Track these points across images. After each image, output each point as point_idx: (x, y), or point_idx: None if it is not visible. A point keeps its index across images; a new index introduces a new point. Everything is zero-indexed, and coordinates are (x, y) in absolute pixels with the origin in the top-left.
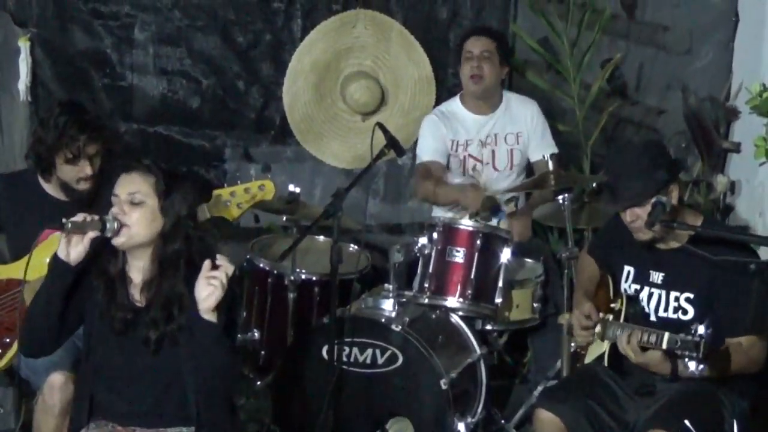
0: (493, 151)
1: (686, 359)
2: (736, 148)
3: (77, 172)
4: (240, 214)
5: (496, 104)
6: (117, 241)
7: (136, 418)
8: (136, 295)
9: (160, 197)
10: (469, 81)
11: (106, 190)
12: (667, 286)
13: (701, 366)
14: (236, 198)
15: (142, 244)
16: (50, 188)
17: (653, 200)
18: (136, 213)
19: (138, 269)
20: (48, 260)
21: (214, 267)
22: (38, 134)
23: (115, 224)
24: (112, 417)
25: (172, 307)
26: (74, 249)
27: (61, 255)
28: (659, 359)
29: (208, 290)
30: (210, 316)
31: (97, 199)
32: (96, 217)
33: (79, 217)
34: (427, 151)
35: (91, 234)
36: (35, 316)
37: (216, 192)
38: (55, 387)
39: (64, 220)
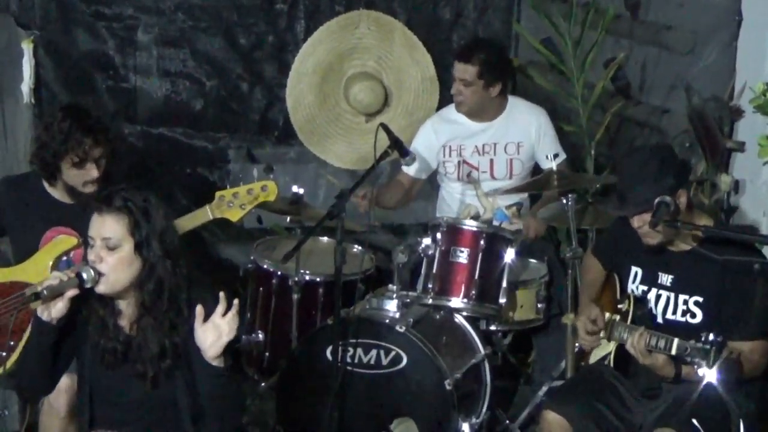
0: (491, 160)
1: (695, 366)
2: (740, 148)
3: (83, 176)
4: (243, 215)
5: (496, 113)
6: (99, 290)
7: None
8: (126, 326)
9: (134, 236)
10: (455, 103)
11: None
12: (676, 288)
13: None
14: (239, 199)
15: (123, 289)
16: (54, 191)
17: (657, 200)
18: (113, 259)
19: (125, 304)
20: (51, 263)
21: (208, 314)
22: (42, 139)
23: (92, 273)
24: (112, 428)
25: (164, 343)
26: (54, 309)
27: (43, 317)
28: (664, 362)
29: (213, 336)
30: (217, 362)
31: None
32: (72, 275)
33: (54, 281)
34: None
35: (70, 293)
36: (26, 369)
37: (219, 193)
38: (61, 390)
39: (39, 288)
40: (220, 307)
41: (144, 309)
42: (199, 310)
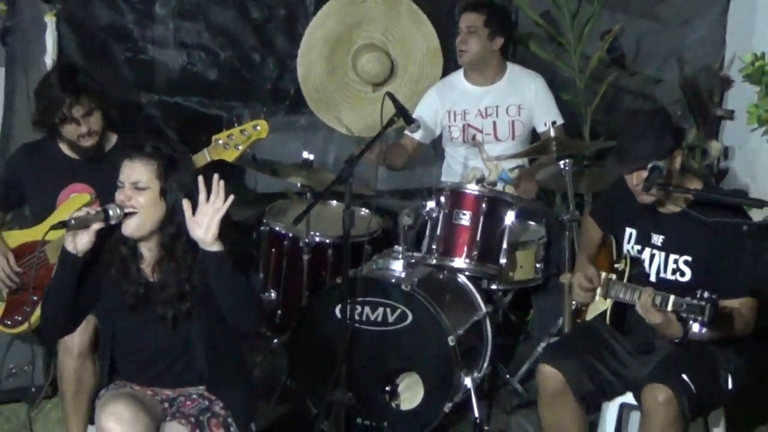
0: (494, 122)
1: (690, 322)
2: (730, 116)
3: (75, 131)
4: (238, 155)
5: (497, 76)
6: (127, 231)
7: (153, 380)
8: (148, 271)
9: (160, 181)
10: (458, 54)
11: (120, 155)
12: (666, 248)
13: (704, 329)
14: (234, 140)
15: (150, 231)
16: (66, 149)
17: (650, 165)
18: (142, 198)
19: (147, 248)
20: None
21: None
22: (36, 100)
23: (118, 211)
24: (131, 379)
25: (184, 285)
26: (80, 241)
27: (69, 248)
28: (671, 321)
29: (204, 223)
30: (216, 247)
31: (105, 158)
32: (99, 209)
33: (81, 212)
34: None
35: (96, 226)
36: (50, 305)
37: (215, 137)
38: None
39: (67, 217)
40: (202, 195)
41: (164, 251)
42: (186, 203)
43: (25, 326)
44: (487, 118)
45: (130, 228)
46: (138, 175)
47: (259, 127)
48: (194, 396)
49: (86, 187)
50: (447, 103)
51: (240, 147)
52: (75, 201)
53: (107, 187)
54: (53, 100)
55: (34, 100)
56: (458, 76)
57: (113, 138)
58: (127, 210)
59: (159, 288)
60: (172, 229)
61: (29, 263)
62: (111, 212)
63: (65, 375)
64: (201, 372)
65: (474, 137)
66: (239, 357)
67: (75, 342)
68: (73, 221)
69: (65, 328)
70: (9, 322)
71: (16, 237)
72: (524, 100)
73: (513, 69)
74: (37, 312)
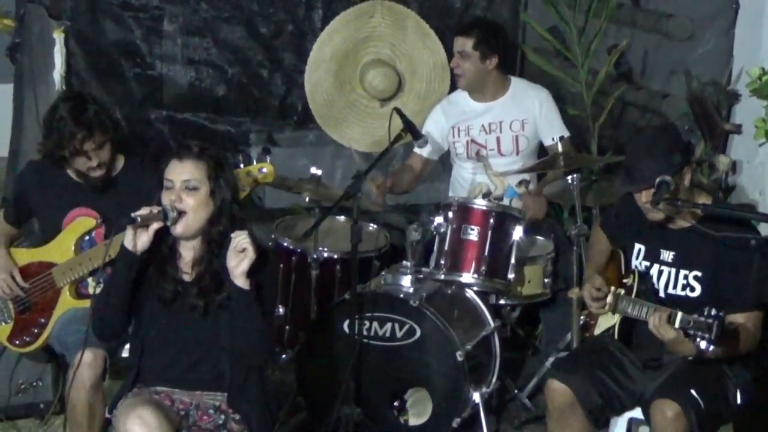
0: (498, 138)
1: (698, 339)
2: (737, 130)
3: (85, 164)
4: (244, 197)
5: (499, 92)
6: (176, 231)
7: (176, 382)
8: (186, 269)
9: (211, 182)
10: (455, 78)
11: (126, 178)
12: (677, 264)
13: (712, 346)
14: (239, 182)
15: (198, 230)
16: (74, 175)
17: (657, 180)
18: (192, 200)
19: (188, 248)
20: (73, 244)
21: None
22: (43, 133)
23: (174, 213)
24: (153, 380)
25: (222, 278)
26: (140, 240)
27: (128, 246)
28: (683, 339)
29: (238, 257)
30: (243, 283)
31: (112, 183)
32: (159, 208)
33: (144, 211)
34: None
35: (155, 225)
36: (106, 303)
37: None
38: (85, 364)
39: (133, 214)
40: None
41: (208, 247)
42: (235, 235)
43: (33, 346)
44: (490, 134)
45: (180, 228)
46: (189, 174)
47: (265, 170)
48: (210, 411)
49: (91, 211)
50: (451, 120)
51: (245, 189)
52: (80, 225)
53: (113, 212)
54: (65, 134)
55: (43, 130)
56: (462, 93)
57: (120, 161)
58: (180, 209)
59: (196, 282)
60: (221, 228)
61: (36, 286)
62: (169, 214)
63: (78, 407)
64: (223, 375)
65: (478, 153)
66: (262, 366)
67: (86, 377)
68: (139, 218)
69: (117, 330)
70: (17, 342)
71: (23, 255)
72: (528, 115)
73: (517, 84)
74: (45, 334)
